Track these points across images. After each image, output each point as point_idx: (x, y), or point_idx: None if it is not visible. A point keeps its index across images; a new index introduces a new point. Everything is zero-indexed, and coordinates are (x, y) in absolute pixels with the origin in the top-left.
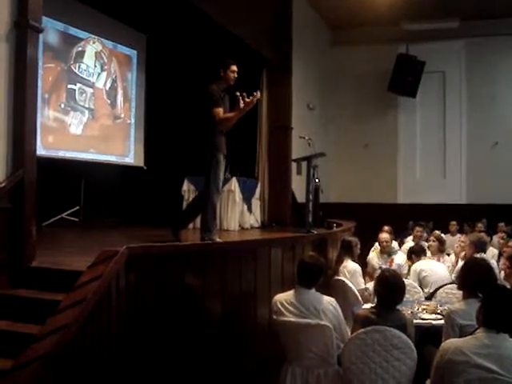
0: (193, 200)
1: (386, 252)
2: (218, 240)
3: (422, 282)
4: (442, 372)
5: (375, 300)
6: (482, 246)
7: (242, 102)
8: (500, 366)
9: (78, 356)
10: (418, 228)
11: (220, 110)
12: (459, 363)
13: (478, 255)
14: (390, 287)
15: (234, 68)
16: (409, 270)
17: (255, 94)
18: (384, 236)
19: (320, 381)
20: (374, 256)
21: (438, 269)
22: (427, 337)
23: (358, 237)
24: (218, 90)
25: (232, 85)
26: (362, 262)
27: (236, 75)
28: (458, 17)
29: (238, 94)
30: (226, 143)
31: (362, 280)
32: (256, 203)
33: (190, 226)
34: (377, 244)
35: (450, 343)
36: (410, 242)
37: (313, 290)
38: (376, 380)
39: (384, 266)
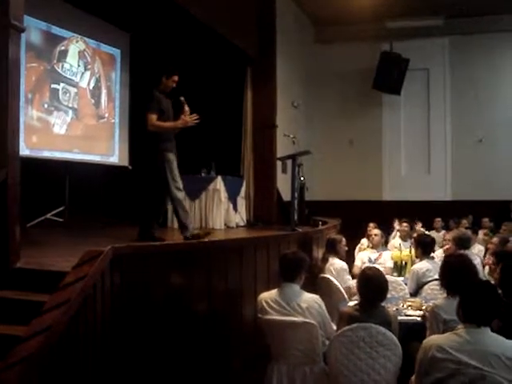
0: (148, 204)
1: (378, 246)
2: (195, 232)
3: (422, 284)
4: (426, 368)
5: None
6: (463, 243)
7: (186, 106)
8: (483, 361)
9: (64, 357)
10: (404, 224)
11: (153, 117)
12: (442, 360)
13: (461, 251)
14: (371, 285)
15: (176, 78)
16: (395, 266)
17: (195, 116)
18: (375, 231)
19: (306, 378)
20: (364, 252)
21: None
22: (412, 333)
23: (343, 234)
24: (159, 96)
25: (167, 92)
26: (349, 258)
27: (175, 85)
28: (442, 14)
29: (183, 99)
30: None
31: (349, 277)
32: (241, 202)
33: (176, 224)
34: (363, 241)
35: (433, 340)
36: (396, 239)
37: (296, 287)
38: (362, 376)
39: (374, 258)
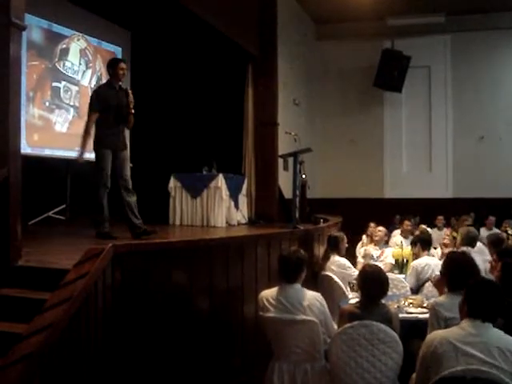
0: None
1: (380, 242)
2: (106, 231)
3: (423, 281)
4: (428, 363)
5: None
6: (471, 240)
7: (131, 96)
8: (486, 353)
9: (65, 355)
10: (406, 222)
11: (91, 116)
12: (446, 353)
13: (464, 248)
14: (372, 282)
15: (122, 65)
16: (396, 264)
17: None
18: (380, 227)
19: (307, 376)
20: (368, 248)
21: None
22: (413, 330)
23: (344, 232)
24: (99, 92)
25: (121, 81)
26: (350, 256)
27: (125, 72)
28: (443, 11)
29: (127, 88)
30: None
31: (355, 270)
32: (243, 199)
33: (177, 222)
34: (364, 237)
35: (436, 334)
36: (397, 236)
37: (297, 286)
38: (362, 374)
39: (376, 256)
